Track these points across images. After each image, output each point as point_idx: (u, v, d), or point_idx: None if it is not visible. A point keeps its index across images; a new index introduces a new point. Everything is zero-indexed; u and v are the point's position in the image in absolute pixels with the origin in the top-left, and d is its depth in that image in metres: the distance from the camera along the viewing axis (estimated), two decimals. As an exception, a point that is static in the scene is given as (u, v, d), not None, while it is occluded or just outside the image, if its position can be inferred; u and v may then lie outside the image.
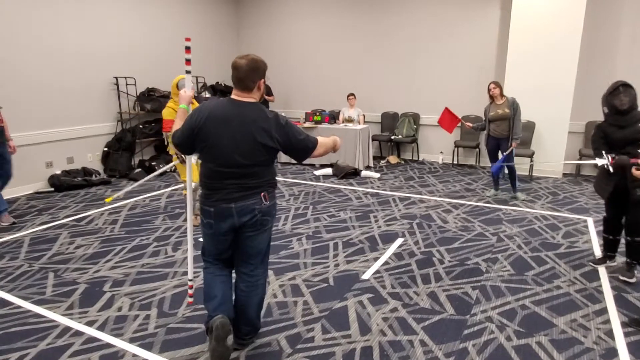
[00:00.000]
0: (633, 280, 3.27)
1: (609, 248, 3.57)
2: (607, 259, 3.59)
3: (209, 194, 2.24)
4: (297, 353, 2.47)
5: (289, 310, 2.92)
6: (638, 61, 6.18)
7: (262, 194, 2.24)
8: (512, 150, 5.20)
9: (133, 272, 3.51)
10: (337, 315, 2.87)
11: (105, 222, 4.70)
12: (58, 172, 6.05)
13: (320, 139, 2.36)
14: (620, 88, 3.10)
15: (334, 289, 3.23)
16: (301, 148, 2.28)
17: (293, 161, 7.68)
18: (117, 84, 6.80)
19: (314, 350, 2.50)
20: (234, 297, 2.44)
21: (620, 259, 3.65)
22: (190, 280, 2.78)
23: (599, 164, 3.13)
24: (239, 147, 2.14)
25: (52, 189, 5.90)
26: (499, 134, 5.26)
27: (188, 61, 2.55)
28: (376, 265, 3.61)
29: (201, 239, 2.45)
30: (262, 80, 2.23)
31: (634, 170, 2.86)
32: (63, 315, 2.87)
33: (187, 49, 2.52)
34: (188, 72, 2.58)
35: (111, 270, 3.53)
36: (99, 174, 6.43)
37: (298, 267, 3.59)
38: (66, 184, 5.92)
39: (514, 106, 5.11)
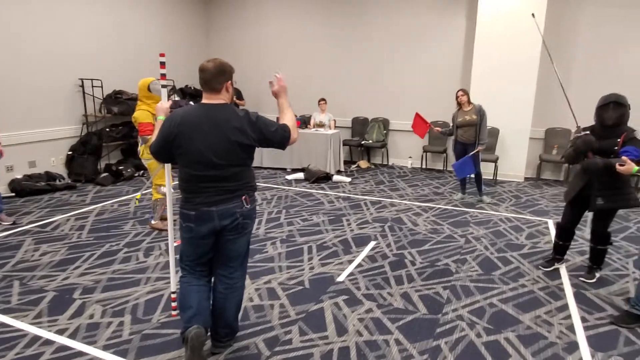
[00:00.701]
0: (593, 280, 3.47)
1: (559, 252, 3.70)
2: (555, 261, 3.71)
3: (188, 197, 2.24)
4: (275, 355, 2.49)
5: (265, 314, 2.94)
6: (592, 73, 6.57)
7: (243, 197, 2.27)
8: (478, 154, 5.39)
9: (104, 278, 3.43)
10: (314, 317, 2.91)
11: (71, 228, 4.56)
12: (19, 176, 5.82)
13: (287, 122, 2.39)
14: (611, 105, 3.07)
15: (309, 291, 3.27)
16: (276, 139, 2.32)
17: (264, 165, 7.67)
18: (82, 86, 6.61)
19: (292, 352, 2.53)
20: (211, 301, 2.43)
21: (575, 259, 3.88)
22: (173, 292, 2.76)
23: (576, 132, 3.23)
24: (214, 148, 2.15)
25: (13, 194, 5.67)
26: (466, 140, 5.45)
27: (163, 76, 2.57)
28: (350, 268, 3.68)
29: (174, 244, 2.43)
30: (229, 82, 2.26)
31: (617, 167, 2.89)
32: (31, 324, 2.77)
33: (162, 64, 2.54)
34: (164, 86, 2.60)
35: (81, 277, 3.44)
36: (63, 179, 6.23)
37: (273, 271, 3.61)
38: (28, 188, 5.69)
39: (480, 113, 5.32)
